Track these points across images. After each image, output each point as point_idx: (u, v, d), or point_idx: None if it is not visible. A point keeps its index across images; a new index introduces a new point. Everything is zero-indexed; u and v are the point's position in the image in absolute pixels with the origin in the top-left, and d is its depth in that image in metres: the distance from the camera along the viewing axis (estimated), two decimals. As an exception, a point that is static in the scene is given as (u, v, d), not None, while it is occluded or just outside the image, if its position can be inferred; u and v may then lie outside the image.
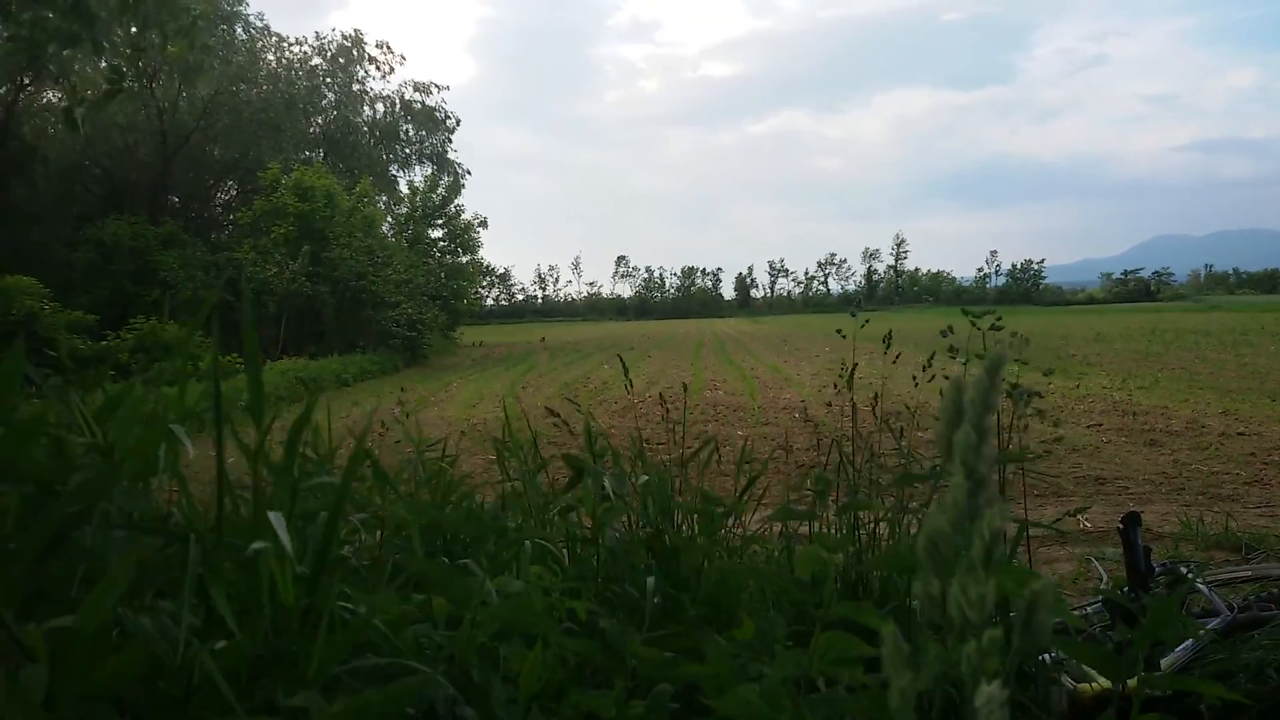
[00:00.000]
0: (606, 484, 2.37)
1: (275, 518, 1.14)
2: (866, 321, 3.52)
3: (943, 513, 0.71)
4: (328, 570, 1.21)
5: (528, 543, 1.67)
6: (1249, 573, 3.81)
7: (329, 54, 43.68)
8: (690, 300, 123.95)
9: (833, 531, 3.00)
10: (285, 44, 42.36)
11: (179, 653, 0.93)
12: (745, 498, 2.77)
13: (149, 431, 1.19)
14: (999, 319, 3.07)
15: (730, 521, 2.86)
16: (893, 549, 2.52)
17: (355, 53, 44.81)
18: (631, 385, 3.70)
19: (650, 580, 1.92)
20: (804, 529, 2.73)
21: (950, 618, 0.69)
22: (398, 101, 47.79)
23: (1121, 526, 2.48)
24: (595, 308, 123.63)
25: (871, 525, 3.10)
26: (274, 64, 41.76)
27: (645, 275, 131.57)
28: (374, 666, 1.13)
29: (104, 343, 21.01)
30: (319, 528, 1.29)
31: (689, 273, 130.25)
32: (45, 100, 35.51)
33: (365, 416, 1.86)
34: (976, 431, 0.71)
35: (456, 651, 1.27)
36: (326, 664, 0.97)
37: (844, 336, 3.50)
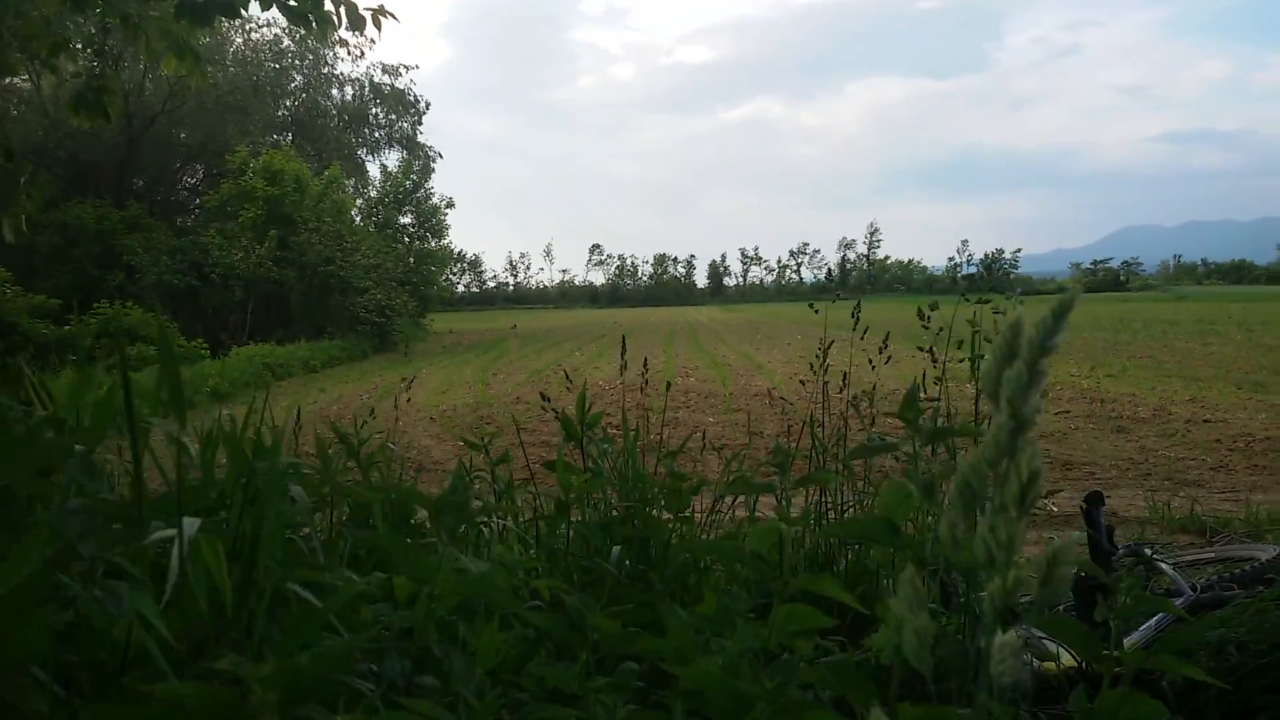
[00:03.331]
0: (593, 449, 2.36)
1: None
2: (837, 297, 3.53)
3: (982, 451, 0.71)
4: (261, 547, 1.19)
5: (495, 521, 1.66)
6: (1212, 554, 3.86)
7: (298, 36, 43.12)
8: (663, 288, 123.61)
9: (805, 507, 3.02)
10: (252, 26, 41.79)
11: (115, 622, 0.90)
12: (719, 478, 2.77)
13: (101, 405, 1.16)
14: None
15: (712, 507, 2.87)
16: (851, 518, 2.52)
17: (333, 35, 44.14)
18: (626, 366, 3.69)
19: (615, 550, 1.90)
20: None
21: (975, 559, 0.69)
22: (366, 84, 47.36)
23: (1084, 506, 2.49)
24: (567, 295, 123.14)
25: (837, 500, 3.11)
26: (241, 46, 41.24)
27: (618, 263, 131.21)
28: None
29: (67, 328, 20.72)
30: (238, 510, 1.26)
31: (662, 260, 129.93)
32: (8, 82, 34.91)
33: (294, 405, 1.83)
34: (1029, 371, 0.69)
35: (414, 626, 1.25)
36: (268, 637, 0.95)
37: (816, 311, 3.52)
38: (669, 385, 3.80)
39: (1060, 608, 2.82)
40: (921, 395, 1.94)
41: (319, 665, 0.80)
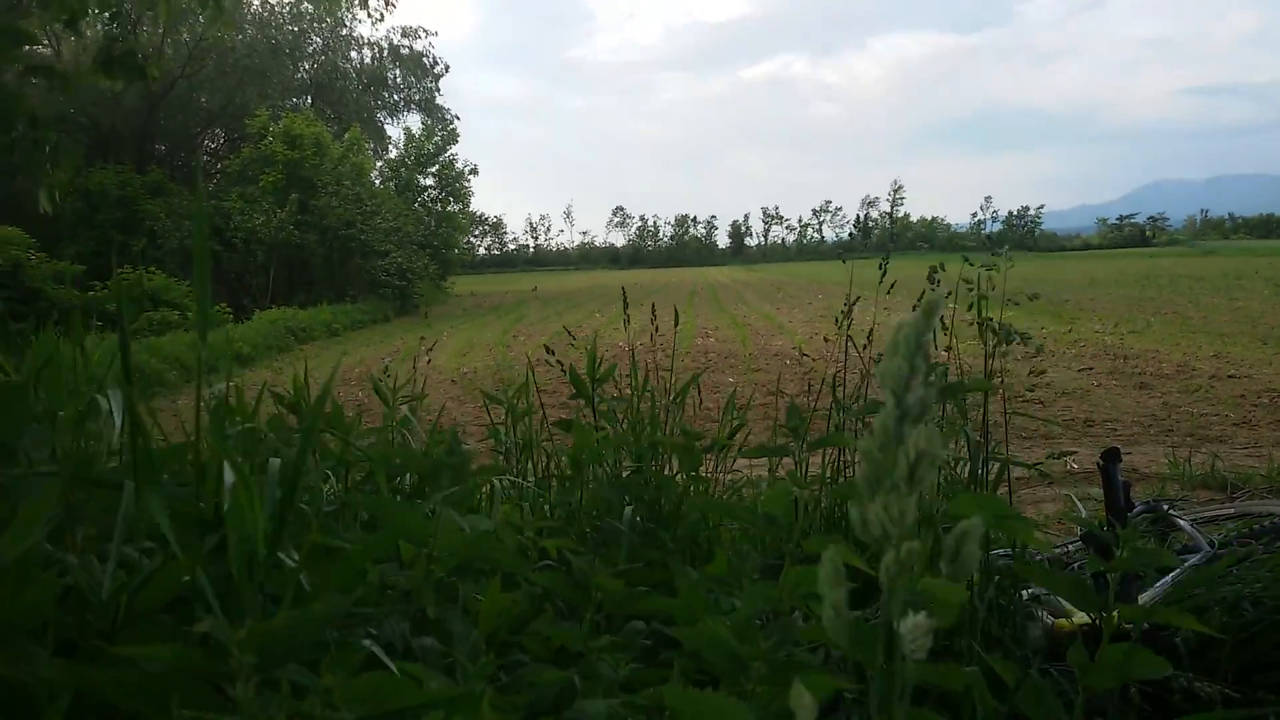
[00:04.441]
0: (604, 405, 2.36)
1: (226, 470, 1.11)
2: (885, 260, 3.46)
3: (872, 439, 0.74)
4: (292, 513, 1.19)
5: (497, 481, 1.66)
6: (1232, 510, 3.82)
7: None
8: (684, 249, 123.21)
9: (823, 467, 3.01)
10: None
11: (116, 589, 0.91)
12: (729, 437, 2.76)
13: (58, 371, 1.16)
14: (1010, 262, 3.02)
15: (717, 463, 2.86)
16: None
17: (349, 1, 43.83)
18: (629, 320, 3.69)
19: (627, 511, 1.90)
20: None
21: (873, 535, 0.71)
22: (385, 47, 47.21)
23: (1101, 463, 2.47)
24: (588, 257, 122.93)
25: (855, 460, 3.10)
26: (259, 9, 41.09)
27: (639, 224, 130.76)
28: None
29: (91, 293, 20.88)
30: (276, 474, 1.26)
31: (683, 221, 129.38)
32: (27, 48, 34.88)
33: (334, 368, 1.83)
34: (908, 365, 0.73)
35: (412, 588, 1.25)
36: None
37: (844, 262, 3.50)
38: (672, 322, 3.77)
39: (1075, 565, 2.81)
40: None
41: (297, 627, 0.80)
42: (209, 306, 1.11)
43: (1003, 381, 2.88)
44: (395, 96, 48.64)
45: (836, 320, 3.42)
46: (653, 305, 3.93)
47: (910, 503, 0.70)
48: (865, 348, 3.33)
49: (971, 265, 2.92)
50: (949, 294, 2.81)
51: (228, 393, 1.39)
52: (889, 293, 3.35)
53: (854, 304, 3.39)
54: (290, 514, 1.02)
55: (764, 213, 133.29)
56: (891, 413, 0.72)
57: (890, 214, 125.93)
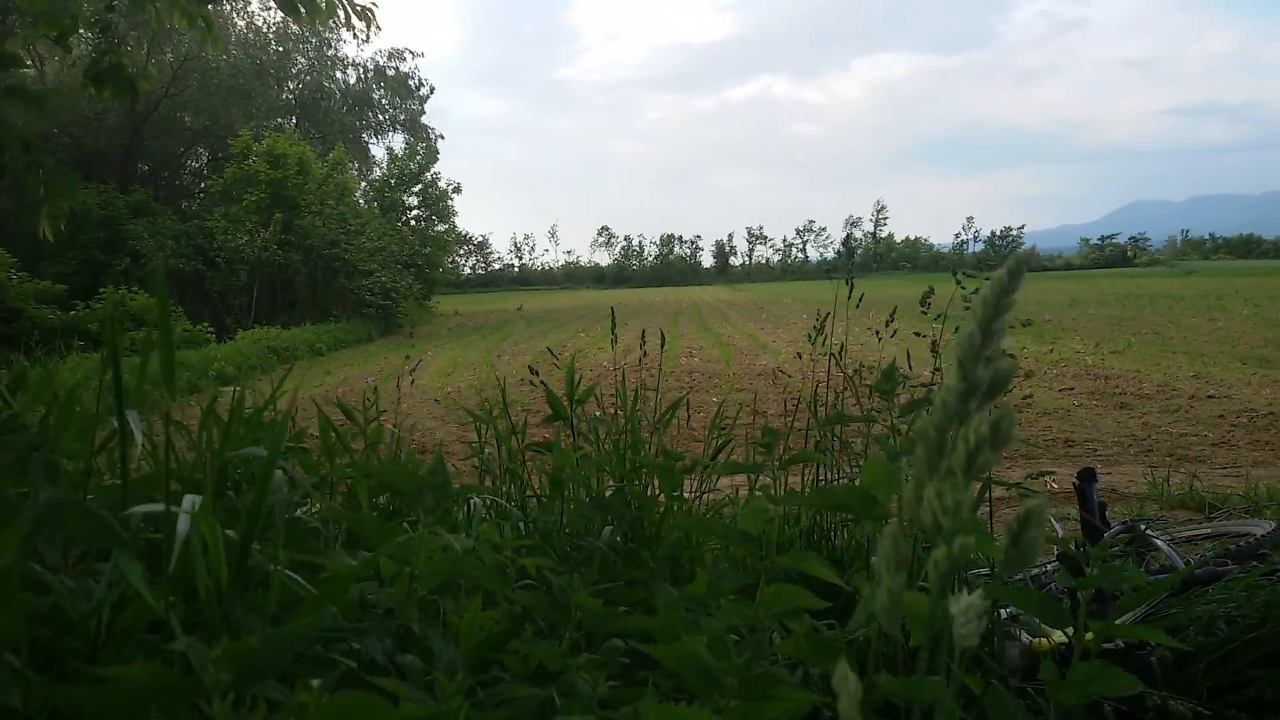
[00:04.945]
0: (584, 425, 2.37)
1: (189, 500, 1.12)
2: (851, 282, 3.51)
3: (930, 414, 0.66)
4: (263, 534, 1.20)
5: (477, 500, 1.67)
6: (1209, 530, 3.86)
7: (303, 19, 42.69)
8: (669, 268, 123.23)
9: (802, 485, 3.03)
10: (255, 10, 41.55)
11: (91, 609, 0.92)
12: (713, 457, 2.77)
13: (66, 403, 1.17)
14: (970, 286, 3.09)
15: (699, 483, 2.88)
16: (826, 488, 2.52)
17: (334, 20, 43.85)
18: (616, 340, 3.73)
19: (606, 531, 1.91)
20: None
21: (923, 524, 0.64)
22: (371, 68, 47.33)
23: (1077, 483, 2.50)
24: (573, 276, 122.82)
25: (833, 477, 3.12)
26: (244, 29, 41.09)
27: (624, 243, 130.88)
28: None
29: (73, 313, 20.79)
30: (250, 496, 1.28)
31: (667, 240, 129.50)
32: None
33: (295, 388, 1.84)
34: (981, 332, 0.64)
35: (395, 605, 1.26)
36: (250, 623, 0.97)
37: (834, 279, 3.56)
38: (658, 344, 3.80)
39: (1053, 585, 2.83)
40: (905, 373, 1.95)
41: (272, 645, 0.81)
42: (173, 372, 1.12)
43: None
44: (380, 117, 48.75)
45: (810, 337, 3.45)
46: (643, 332, 3.95)
47: (968, 494, 0.62)
48: (837, 365, 3.36)
49: (963, 286, 2.96)
50: (939, 317, 2.84)
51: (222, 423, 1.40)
52: (857, 307, 3.38)
53: (825, 319, 3.43)
54: (256, 537, 1.03)
55: (748, 232, 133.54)
56: (957, 387, 0.63)
57: (874, 234, 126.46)
